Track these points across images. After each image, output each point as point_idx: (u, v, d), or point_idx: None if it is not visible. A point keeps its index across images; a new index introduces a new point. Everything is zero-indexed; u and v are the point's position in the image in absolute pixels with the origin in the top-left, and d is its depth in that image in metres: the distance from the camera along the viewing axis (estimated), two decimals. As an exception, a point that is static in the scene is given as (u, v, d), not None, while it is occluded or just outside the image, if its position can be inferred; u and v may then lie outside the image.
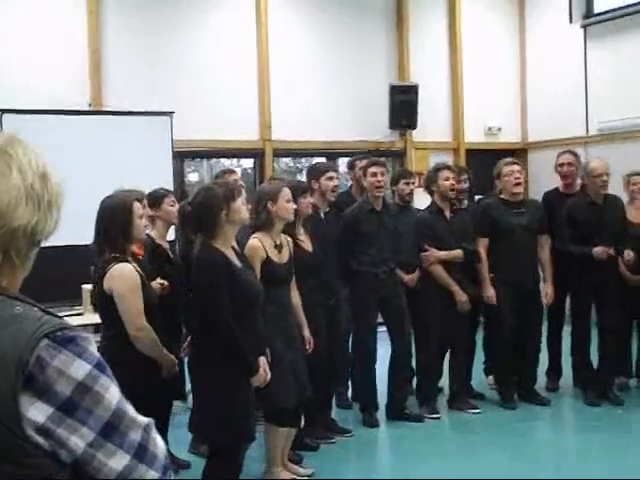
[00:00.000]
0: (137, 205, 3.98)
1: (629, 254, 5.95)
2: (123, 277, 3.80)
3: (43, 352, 1.11)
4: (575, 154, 6.61)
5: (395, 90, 9.28)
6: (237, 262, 3.79)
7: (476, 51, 10.06)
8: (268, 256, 4.40)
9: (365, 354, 5.75)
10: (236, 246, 3.95)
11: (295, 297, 4.68)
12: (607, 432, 5.54)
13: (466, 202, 6.48)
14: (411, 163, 9.53)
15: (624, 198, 6.38)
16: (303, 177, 6.99)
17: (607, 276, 5.96)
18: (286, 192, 4.47)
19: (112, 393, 1.16)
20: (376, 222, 5.69)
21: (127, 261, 3.88)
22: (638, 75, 8.79)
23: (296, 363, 4.48)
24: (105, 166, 7.00)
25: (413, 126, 9.44)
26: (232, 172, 5.83)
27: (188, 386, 4.24)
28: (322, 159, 8.79)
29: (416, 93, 9.30)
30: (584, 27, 9.57)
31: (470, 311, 6.07)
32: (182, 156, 8.52)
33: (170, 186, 6.75)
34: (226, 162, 9.55)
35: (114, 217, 3.89)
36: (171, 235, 5.09)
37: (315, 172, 5.58)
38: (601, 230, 5.92)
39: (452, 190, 5.97)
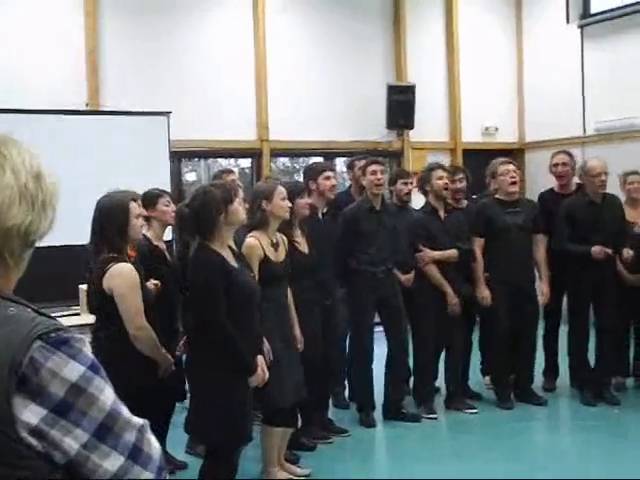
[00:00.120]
0: (134, 205, 3.98)
1: (628, 252, 5.96)
2: (123, 276, 3.81)
3: (37, 353, 1.10)
4: (570, 154, 6.62)
5: (392, 90, 9.28)
6: (233, 262, 3.79)
7: (473, 51, 10.06)
8: (266, 255, 4.41)
9: (362, 354, 5.75)
10: (233, 246, 3.94)
11: (289, 296, 4.68)
12: (604, 432, 5.54)
13: (465, 202, 6.47)
14: (408, 163, 9.53)
15: (621, 198, 6.38)
16: (300, 177, 6.99)
17: (605, 274, 5.97)
18: (281, 190, 4.48)
19: (106, 394, 1.15)
20: (375, 221, 5.69)
21: (125, 261, 3.88)
22: (635, 75, 8.80)
23: (292, 362, 4.48)
24: (102, 166, 7.00)
25: (410, 126, 9.45)
26: (230, 172, 5.83)
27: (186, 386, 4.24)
28: (319, 159, 8.80)
29: (413, 93, 9.31)
30: (581, 27, 9.58)
31: (466, 311, 6.08)
32: (179, 156, 8.52)
33: (167, 186, 6.74)
34: (223, 162, 9.54)
35: (111, 217, 3.90)
36: (167, 235, 5.08)
37: (312, 172, 5.57)
38: (599, 229, 5.93)
39: (446, 189, 5.98)
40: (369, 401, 5.82)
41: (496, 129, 10.30)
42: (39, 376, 1.10)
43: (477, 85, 10.05)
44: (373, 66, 9.55)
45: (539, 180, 8.20)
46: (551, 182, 6.73)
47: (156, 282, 4.37)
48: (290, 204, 4.55)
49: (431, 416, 5.88)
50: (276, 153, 9.24)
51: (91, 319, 4.26)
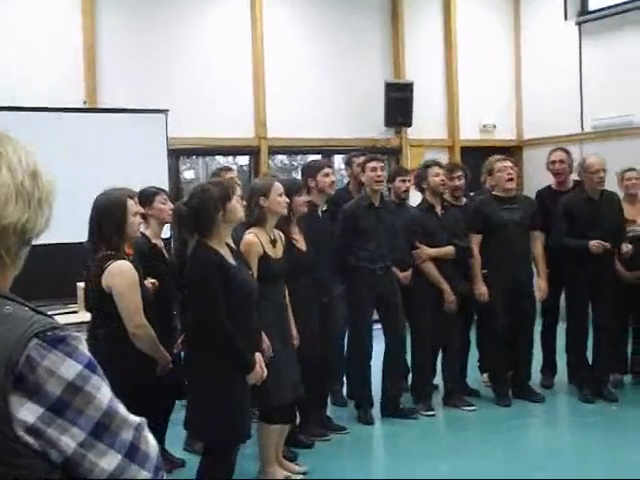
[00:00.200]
0: (131, 202, 3.98)
1: (627, 246, 5.98)
2: (122, 274, 3.81)
3: (33, 352, 1.10)
4: (567, 151, 6.63)
5: (390, 87, 9.27)
6: (231, 260, 3.79)
7: (471, 48, 10.06)
8: (265, 251, 4.41)
9: (361, 351, 5.75)
10: (231, 244, 3.94)
11: (285, 294, 4.68)
12: (602, 429, 5.54)
13: (464, 200, 6.47)
14: (407, 160, 9.53)
15: (619, 195, 6.38)
16: (299, 175, 6.99)
17: (602, 271, 5.97)
18: (278, 187, 4.47)
19: (103, 393, 1.15)
20: (374, 218, 5.69)
21: (124, 258, 3.88)
22: (633, 72, 8.80)
23: (290, 360, 4.48)
24: (100, 164, 6.99)
25: (408, 124, 9.44)
26: (229, 169, 5.81)
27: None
28: (317, 156, 8.79)
29: (411, 91, 9.30)
30: (579, 24, 9.58)
31: (464, 308, 6.09)
32: (177, 154, 8.51)
33: (165, 184, 6.75)
34: (221, 160, 9.54)
35: (109, 214, 3.89)
36: (165, 233, 5.07)
37: (311, 169, 5.56)
38: (597, 225, 5.93)
39: (443, 186, 5.99)
40: (367, 398, 5.82)
41: (494, 126, 10.30)
42: (36, 374, 1.10)
43: (475, 82, 10.05)
44: (371, 63, 9.55)
45: (537, 177, 8.20)
46: (549, 179, 6.73)
47: (153, 281, 4.37)
48: (288, 200, 4.54)
49: (429, 413, 5.89)
50: (274, 150, 9.24)
51: (89, 317, 4.26)
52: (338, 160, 9.46)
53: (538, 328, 6.50)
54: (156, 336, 3.99)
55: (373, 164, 5.67)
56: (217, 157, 9.62)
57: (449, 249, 5.93)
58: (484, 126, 10.25)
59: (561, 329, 6.54)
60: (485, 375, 6.63)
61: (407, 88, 9.31)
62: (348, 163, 6.59)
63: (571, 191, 6.38)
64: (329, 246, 5.50)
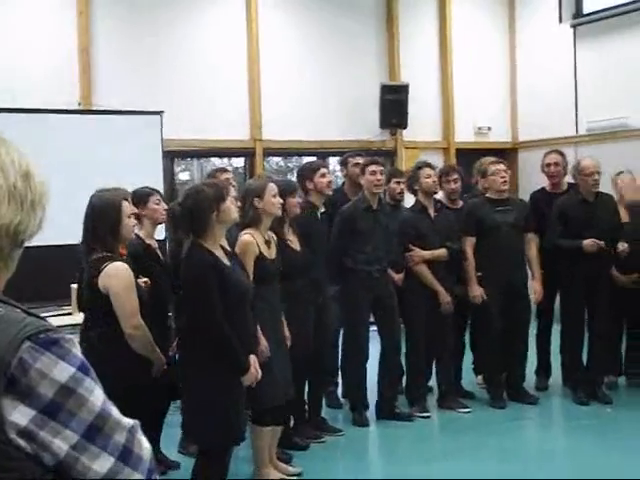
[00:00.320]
0: (126, 204, 3.98)
1: (623, 245, 5.99)
2: (119, 275, 3.81)
3: (25, 354, 1.09)
4: (561, 153, 6.63)
5: (385, 90, 9.28)
6: (226, 261, 3.78)
7: (466, 51, 10.07)
8: (261, 252, 4.41)
9: (357, 353, 5.75)
10: (226, 245, 3.94)
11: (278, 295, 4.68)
12: (596, 431, 5.55)
13: (460, 202, 6.47)
14: (402, 162, 9.53)
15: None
16: (294, 177, 6.99)
17: (598, 272, 5.98)
18: (272, 187, 4.48)
19: (96, 395, 1.14)
20: (372, 220, 5.69)
21: (119, 260, 3.88)
22: (627, 75, 8.82)
23: (283, 361, 4.48)
24: (95, 165, 6.97)
25: (404, 126, 9.45)
26: (225, 171, 5.80)
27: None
28: (313, 158, 8.77)
29: (406, 93, 9.30)
30: (574, 27, 9.59)
31: (458, 310, 6.09)
32: (172, 155, 8.50)
33: (160, 185, 6.73)
34: (217, 161, 9.53)
35: (103, 216, 3.89)
36: (158, 234, 5.06)
37: (307, 171, 5.54)
38: (592, 227, 5.94)
39: (435, 187, 6.00)
40: (362, 401, 5.82)
41: (489, 129, 10.31)
42: (28, 377, 1.09)
43: (470, 85, 10.06)
44: (366, 65, 9.55)
45: (532, 179, 8.21)
46: (544, 181, 6.74)
47: (145, 280, 4.35)
48: (282, 201, 4.54)
49: (424, 415, 5.89)
50: (269, 152, 9.24)
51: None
52: (333, 162, 9.45)
53: (533, 330, 6.51)
54: (151, 337, 3.99)
55: (373, 167, 5.67)
56: (212, 159, 9.62)
57: (442, 251, 5.94)
58: (479, 128, 10.26)
59: (555, 331, 6.55)
60: (480, 377, 6.64)
61: (402, 90, 9.31)
62: (344, 163, 6.58)
63: (565, 193, 6.39)
64: (326, 247, 5.50)
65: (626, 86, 8.80)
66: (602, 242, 5.85)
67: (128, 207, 4.01)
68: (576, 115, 9.51)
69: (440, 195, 6.42)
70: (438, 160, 8.90)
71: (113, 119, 7.59)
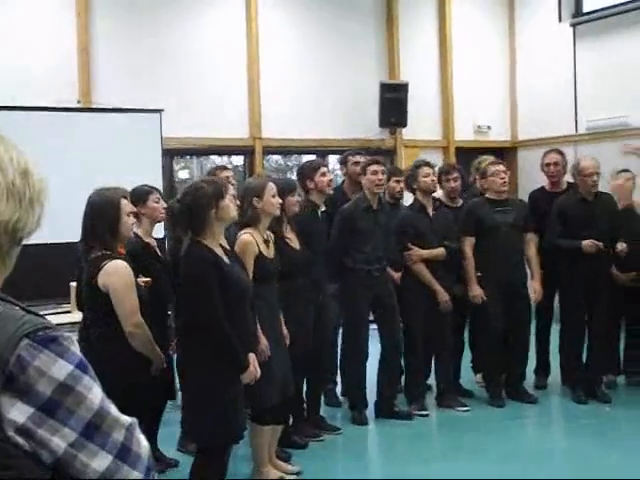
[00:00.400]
0: (125, 202, 3.98)
1: (622, 245, 5.99)
2: (119, 274, 3.80)
3: (24, 352, 1.09)
4: (561, 153, 6.63)
5: (385, 88, 9.28)
6: (226, 259, 3.78)
7: (466, 49, 10.07)
8: (260, 251, 4.41)
9: (357, 352, 5.75)
10: (225, 244, 3.93)
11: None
12: (595, 430, 5.55)
13: (460, 201, 6.46)
14: (401, 161, 9.54)
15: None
16: (293, 175, 6.99)
17: (598, 271, 5.98)
18: (271, 187, 4.47)
19: (94, 393, 1.14)
20: (372, 220, 5.68)
21: (119, 258, 3.87)
22: (626, 74, 8.82)
23: (282, 360, 4.48)
24: (94, 163, 6.98)
25: (403, 124, 9.45)
26: (225, 169, 5.81)
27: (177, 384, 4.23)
28: (312, 157, 8.78)
29: (406, 91, 9.30)
30: (573, 26, 9.60)
31: (457, 309, 6.09)
32: (172, 153, 8.51)
33: (159, 183, 6.74)
34: (216, 159, 9.54)
35: (102, 214, 3.89)
36: (157, 232, 5.06)
37: (308, 170, 5.52)
38: (592, 226, 5.94)
39: (433, 185, 6.00)
40: (362, 399, 5.82)
41: (489, 127, 10.31)
42: (26, 374, 1.09)
43: (470, 83, 10.06)
44: (366, 64, 9.55)
45: (531, 178, 8.22)
46: (543, 180, 6.74)
47: (147, 280, 4.35)
48: (281, 201, 4.54)
49: (422, 413, 5.89)
50: (269, 151, 9.24)
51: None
52: (332, 161, 9.46)
53: (532, 329, 6.51)
54: (151, 335, 3.99)
55: (375, 167, 5.67)
56: (211, 157, 9.62)
57: (440, 250, 5.94)
58: (479, 127, 10.27)
59: (554, 330, 6.55)
60: (479, 375, 6.64)
61: (402, 89, 9.31)
62: (343, 162, 6.57)
63: (565, 193, 6.39)
64: (326, 246, 5.51)
65: (625, 85, 8.81)
66: (601, 243, 5.85)
67: (127, 205, 4.00)
68: (575, 114, 9.51)
69: (440, 194, 6.42)
70: (438, 159, 8.91)
71: (113, 117, 7.59)
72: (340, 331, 5.95)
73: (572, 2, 9.74)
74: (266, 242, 4.50)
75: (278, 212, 4.54)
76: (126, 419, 1.19)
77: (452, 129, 10.04)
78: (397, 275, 5.99)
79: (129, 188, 4.35)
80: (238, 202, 4.23)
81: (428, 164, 6.11)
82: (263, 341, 4.26)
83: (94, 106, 7.79)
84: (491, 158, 6.78)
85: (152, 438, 4.58)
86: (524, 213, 6.19)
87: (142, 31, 8.23)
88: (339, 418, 5.87)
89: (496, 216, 6.05)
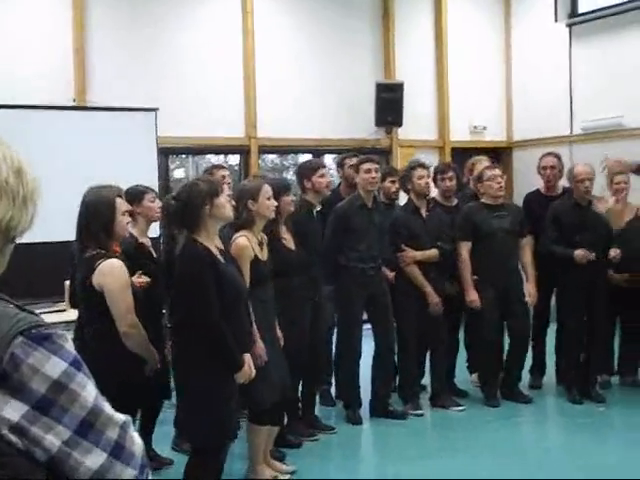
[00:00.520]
0: (120, 201, 3.97)
1: (615, 251, 5.99)
2: (114, 273, 3.79)
3: (18, 349, 1.09)
4: (558, 156, 6.63)
5: (381, 88, 9.28)
6: (221, 259, 3.78)
7: (462, 49, 10.07)
8: (255, 254, 4.40)
9: (350, 351, 5.75)
10: (220, 244, 3.93)
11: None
12: (590, 430, 5.56)
13: (455, 200, 6.46)
14: (397, 161, 9.54)
15: (609, 197, 6.41)
16: (289, 175, 6.99)
17: (596, 274, 5.97)
18: (267, 190, 4.46)
19: (88, 391, 1.15)
20: (367, 218, 5.68)
21: (114, 257, 3.86)
22: (622, 74, 8.84)
23: (279, 361, 4.48)
24: (89, 162, 6.96)
25: (399, 124, 9.45)
26: (221, 168, 5.81)
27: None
28: (308, 156, 8.79)
29: (402, 91, 9.31)
30: (569, 26, 9.61)
31: (452, 309, 6.10)
32: (167, 152, 8.50)
33: (155, 182, 6.74)
34: (212, 159, 9.53)
35: (97, 213, 3.88)
36: (152, 232, 5.05)
37: (307, 170, 5.52)
38: (586, 231, 5.95)
39: (427, 188, 5.99)
40: (356, 398, 5.82)
41: (484, 128, 10.32)
42: (20, 372, 1.09)
43: (465, 83, 10.07)
44: (362, 63, 9.55)
45: (527, 179, 8.23)
46: (539, 181, 6.74)
47: (147, 279, 4.33)
48: (275, 202, 4.54)
49: (417, 413, 5.89)
50: (264, 150, 9.23)
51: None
52: (328, 160, 9.47)
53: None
54: (146, 335, 3.98)
55: (367, 165, 5.67)
56: (207, 156, 9.62)
57: (433, 252, 5.93)
58: (474, 127, 10.27)
59: (551, 330, 6.56)
60: (474, 375, 6.64)
61: (398, 88, 9.31)
62: (340, 164, 6.58)
63: (560, 197, 6.40)
64: (322, 246, 5.51)
65: (621, 85, 8.82)
66: (592, 254, 5.84)
67: (122, 204, 3.99)
68: (571, 114, 9.53)
69: (435, 193, 6.43)
70: (433, 159, 8.92)
71: (108, 116, 7.58)
72: (334, 331, 5.95)
73: (568, 2, 9.75)
74: (260, 244, 4.50)
75: (273, 215, 4.53)
76: (120, 417, 1.19)
77: (448, 129, 10.04)
78: (392, 275, 5.98)
79: (124, 187, 4.34)
80: (233, 203, 4.23)
81: (423, 165, 6.10)
82: (260, 344, 4.25)
83: (89, 105, 7.77)
84: (485, 159, 6.79)
85: (147, 437, 4.58)
86: (519, 218, 6.20)
87: (137, 29, 8.21)
88: (333, 417, 5.87)
89: (493, 221, 6.05)
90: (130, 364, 3.90)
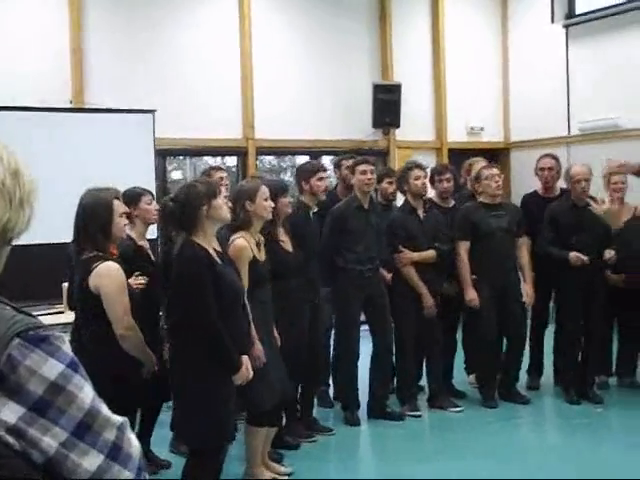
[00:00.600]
0: (117, 203, 3.97)
1: (610, 253, 5.99)
2: (111, 276, 3.78)
3: (15, 351, 1.09)
4: (556, 158, 6.64)
5: (378, 89, 9.28)
6: (218, 260, 3.78)
7: (459, 51, 10.08)
8: (254, 255, 4.40)
9: (348, 352, 5.75)
10: (217, 246, 3.92)
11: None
12: (587, 430, 5.56)
13: (452, 201, 6.46)
14: (394, 162, 9.54)
15: (606, 198, 6.41)
16: (286, 176, 6.99)
17: (594, 274, 5.98)
18: (264, 191, 4.46)
19: (85, 392, 1.14)
20: (363, 220, 5.69)
21: (111, 259, 3.86)
22: (620, 75, 8.85)
23: (277, 363, 4.47)
24: (87, 164, 6.95)
25: (396, 125, 9.45)
26: (219, 169, 5.82)
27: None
28: (305, 158, 8.78)
29: (399, 92, 9.32)
30: (566, 27, 9.62)
31: (450, 310, 6.10)
32: (164, 154, 8.49)
33: (152, 184, 6.73)
34: (209, 160, 9.53)
35: (94, 215, 3.88)
36: (150, 234, 5.05)
37: (306, 172, 5.52)
38: (583, 232, 5.96)
39: (423, 188, 5.99)
40: (354, 400, 5.82)
41: (482, 129, 10.33)
42: (17, 374, 1.09)
43: (463, 85, 10.07)
44: (359, 65, 9.56)
45: (524, 180, 8.23)
46: (536, 182, 6.75)
47: (142, 281, 4.33)
48: (273, 204, 4.53)
49: (415, 414, 5.89)
50: (262, 151, 9.23)
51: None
52: (326, 161, 9.47)
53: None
54: (143, 338, 3.98)
55: (363, 167, 5.67)
56: (204, 157, 9.61)
57: (430, 253, 5.93)
58: (472, 128, 10.28)
59: (549, 331, 6.56)
60: (472, 376, 6.64)
61: (395, 90, 9.32)
62: (337, 166, 6.58)
63: (558, 198, 6.41)
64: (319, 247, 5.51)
65: (618, 86, 8.83)
66: (586, 258, 5.84)
67: (120, 206, 3.99)
68: (568, 115, 9.54)
69: (432, 194, 6.43)
70: (431, 160, 8.92)
71: (105, 117, 7.57)
72: (332, 333, 5.95)
73: (565, 3, 9.77)
74: (258, 245, 4.50)
75: (270, 216, 4.53)
76: (117, 419, 1.18)
77: (445, 130, 10.05)
78: (389, 276, 5.98)
79: (122, 189, 4.34)
80: (230, 204, 4.23)
81: (419, 166, 6.09)
82: (258, 346, 4.24)
83: (86, 106, 7.77)
84: (481, 160, 6.79)
85: (145, 439, 4.58)
86: (517, 217, 6.21)
87: (135, 31, 8.21)
88: (331, 419, 5.87)
89: (491, 221, 6.06)
90: (127, 366, 3.89)
